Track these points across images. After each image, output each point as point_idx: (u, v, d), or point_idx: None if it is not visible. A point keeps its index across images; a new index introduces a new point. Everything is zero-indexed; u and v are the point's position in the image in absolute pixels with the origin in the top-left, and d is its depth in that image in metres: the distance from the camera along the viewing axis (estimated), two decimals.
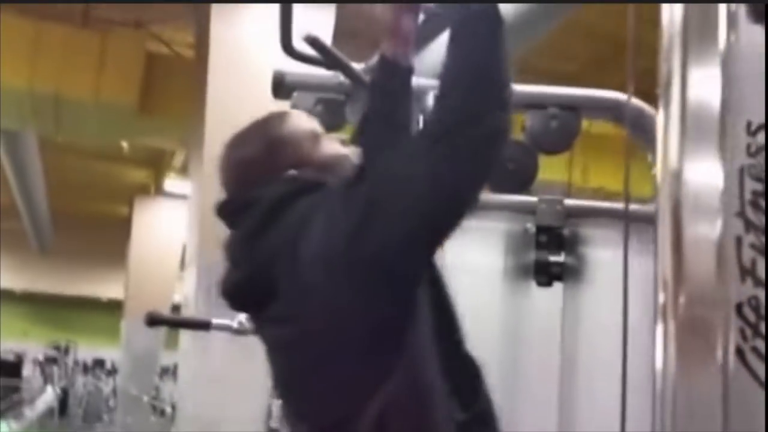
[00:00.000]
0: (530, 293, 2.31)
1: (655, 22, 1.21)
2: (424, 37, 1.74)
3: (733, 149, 1.06)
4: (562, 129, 2.36)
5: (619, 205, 2.09)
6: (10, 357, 16.91)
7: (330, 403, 1.34)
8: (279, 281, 1.35)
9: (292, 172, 1.46)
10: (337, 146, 1.54)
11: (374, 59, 1.82)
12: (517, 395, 2.25)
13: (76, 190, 15.22)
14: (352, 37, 5.25)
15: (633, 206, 1.77)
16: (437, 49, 1.71)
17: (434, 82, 1.40)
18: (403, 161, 1.30)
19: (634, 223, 1.68)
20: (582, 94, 2.41)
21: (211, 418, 5.49)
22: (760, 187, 1.04)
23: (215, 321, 2.51)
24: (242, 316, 2.33)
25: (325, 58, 2.12)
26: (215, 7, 6.47)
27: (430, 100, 2.00)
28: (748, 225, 1.04)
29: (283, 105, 2.40)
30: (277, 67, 2.28)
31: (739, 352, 1.05)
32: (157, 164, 13.58)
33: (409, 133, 1.59)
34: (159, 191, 14.01)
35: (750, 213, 1.04)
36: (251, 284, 1.41)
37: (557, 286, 2.31)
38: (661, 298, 1.05)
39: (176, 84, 7.99)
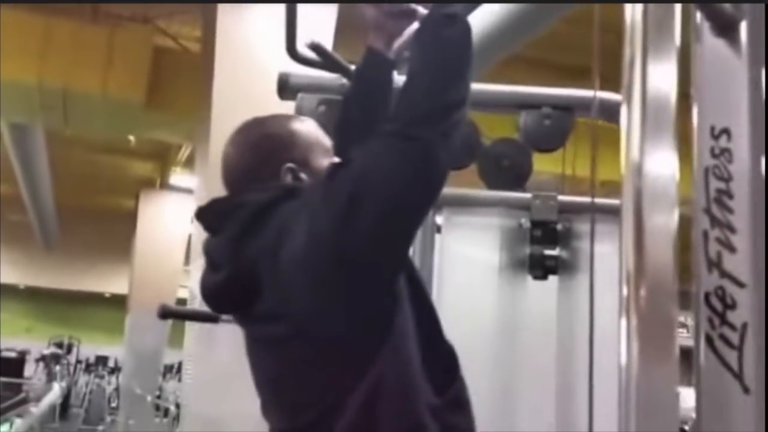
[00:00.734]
0: (526, 287, 2.33)
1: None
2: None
3: (699, 152, 1.13)
4: (555, 128, 2.42)
5: (611, 201, 2.14)
6: (13, 354, 16.44)
7: (316, 396, 1.35)
8: (263, 279, 1.37)
9: (290, 165, 1.50)
10: None
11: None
12: (513, 388, 2.26)
13: (82, 184, 15.09)
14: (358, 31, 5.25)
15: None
16: None
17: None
18: (371, 155, 1.33)
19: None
20: (574, 94, 2.47)
21: (217, 417, 5.37)
22: (723, 185, 1.12)
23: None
24: None
25: (327, 62, 2.16)
26: None
27: None
28: (713, 221, 1.12)
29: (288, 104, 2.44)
30: (283, 62, 2.28)
31: (708, 339, 1.13)
32: (163, 158, 13.47)
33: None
34: (165, 185, 13.85)
35: (715, 210, 1.12)
36: (234, 285, 1.42)
37: (552, 280, 2.34)
38: (624, 291, 1.11)
39: (183, 78, 7.98)
